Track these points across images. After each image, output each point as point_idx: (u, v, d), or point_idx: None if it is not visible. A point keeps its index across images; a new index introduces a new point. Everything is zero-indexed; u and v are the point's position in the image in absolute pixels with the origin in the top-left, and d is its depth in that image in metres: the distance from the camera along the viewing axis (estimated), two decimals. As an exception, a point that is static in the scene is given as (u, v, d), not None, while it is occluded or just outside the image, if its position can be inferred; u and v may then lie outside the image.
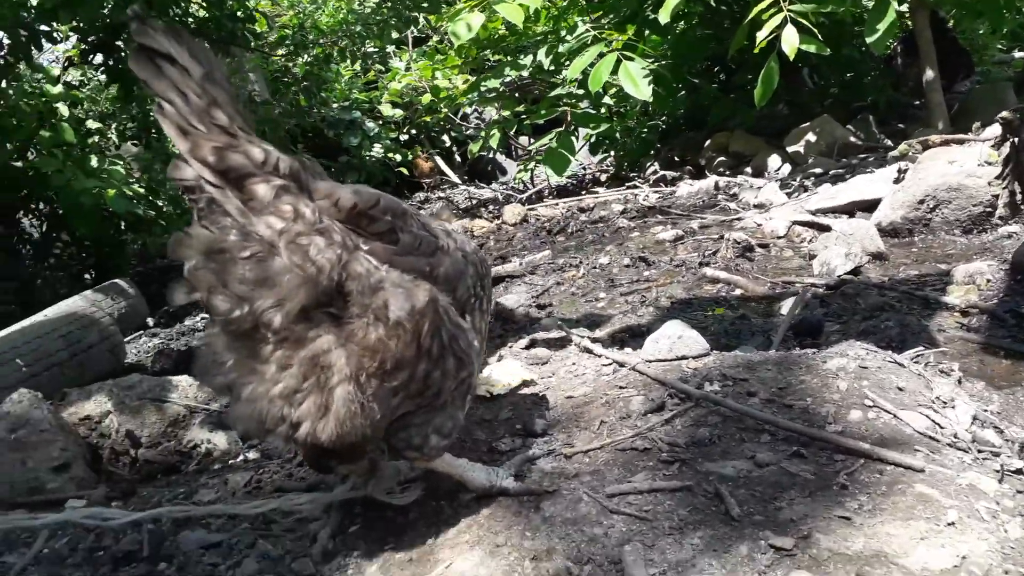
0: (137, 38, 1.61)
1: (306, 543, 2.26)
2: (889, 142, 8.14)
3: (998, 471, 2.16)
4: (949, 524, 1.91)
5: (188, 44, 1.66)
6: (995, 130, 4.96)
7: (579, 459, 2.40)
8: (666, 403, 2.63)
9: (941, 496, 2.01)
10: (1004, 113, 4.10)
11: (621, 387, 2.84)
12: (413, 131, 13.55)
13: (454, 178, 12.98)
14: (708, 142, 9.90)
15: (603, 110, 10.67)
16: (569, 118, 9.36)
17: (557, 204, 8.83)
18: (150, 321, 6.26)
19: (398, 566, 2.06)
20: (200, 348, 1.87)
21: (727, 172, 8.96)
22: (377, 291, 1.81)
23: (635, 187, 9.24)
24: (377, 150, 12.00)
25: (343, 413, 1.79)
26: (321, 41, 11.45)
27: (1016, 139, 4.05)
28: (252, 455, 3.16)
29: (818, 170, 7.60)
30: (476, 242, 7.53)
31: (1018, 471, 2.18)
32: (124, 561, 2.20)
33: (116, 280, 6.11)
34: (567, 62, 8.76)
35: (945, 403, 2.49)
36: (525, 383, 3.01)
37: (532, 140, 12.46)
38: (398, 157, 12.22)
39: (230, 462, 3.11)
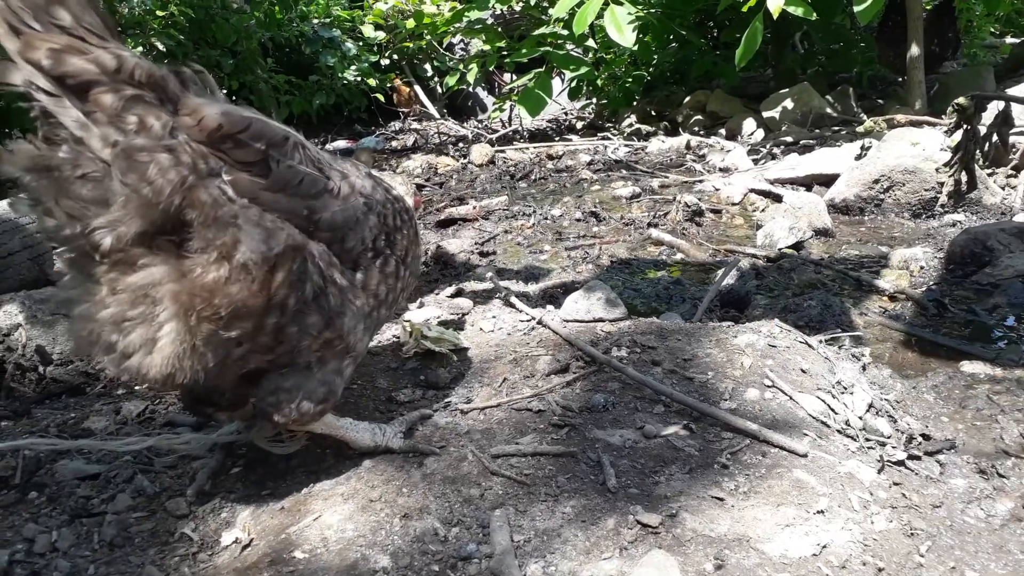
0: None
1: (186, 481, 2.22)
2: (865, 117, 8.03)
3: (880, 461, 2.17)
4: (818, 512, 1.91)
5: None
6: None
7: (474, 416, 2.38)
8: (571, 365, 2.61)
9: (817, 483, 2.02)
10: (960, 99, 4.02)
11: (532, 345, 2.80)
12: (394, 56, 13.12)
13: (432, 110, 12.66)
14: (687, 99, 9.72)
15: (589, 55, 10.41)
16: (548, 58, 9.13)
17: (527, 148, 8.66)
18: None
19: (269, 514, 2.03)
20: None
21: (701, 132, 8.83)
22: (227, 226, 1.64)
23: (607, 138, 9.09)
24: (352, 72, 11.61)
25: (169, 352, 1.66)
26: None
27: (969, 126, 3.99)
28: (116, 374, 3.08)
29: (789, 139, 7.51)
30: (437, 181, 7.40)
31: (899, 463, 2.20)
32: (-7, 486, 2.16)
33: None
34: (556, -1, 8.47)
35: (845, 389, 2.48)
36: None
37: (515, 77, 12.16)
38: (373, 82, 11.85)
39: (135, 388, 3.05)
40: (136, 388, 3.06)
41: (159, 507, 2.12)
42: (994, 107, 4.14)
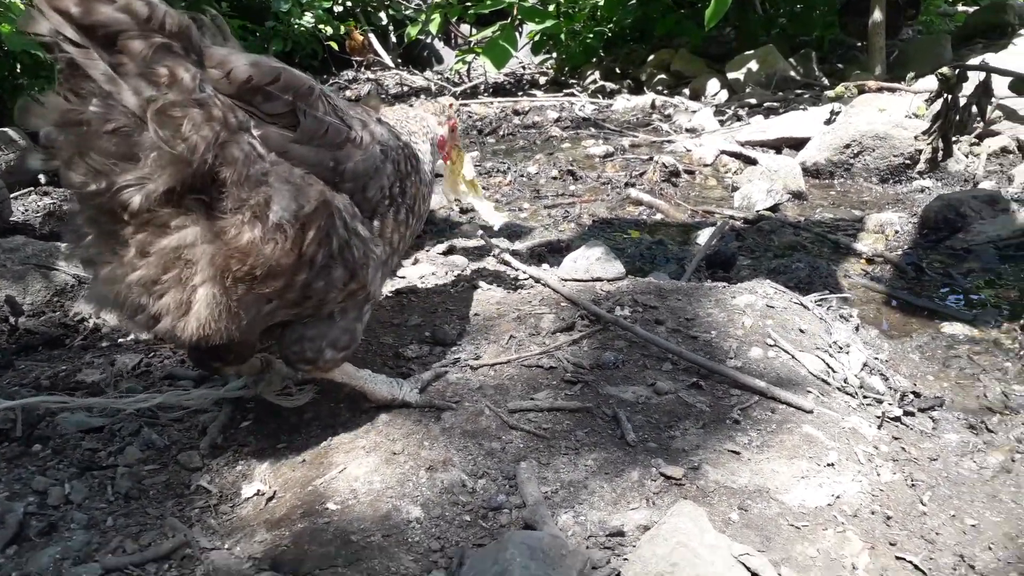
0: None
1: (194, 434, 2.19)
2: (826, 81, 8.17)
3: (879, 417, 2.28)
4: (829, 465, 2.00)
5: None
6: (928, 83, 5.03)
7: (485, 372, 2.39)
8: (576, 323, 2.63)
9: (825, 437, 2.11)
10: (943, 69, 4.14)
11: (534, 303, 2.82)
12: (347, 3, 12.72)
13: (387, 60, 12.34)
14: (651, 57, 9.72)
15: (551, 7, 10.27)
16: (516, 11, 8.98)
17: (492, 103, 8.56)
18: (42, 178, 5.77)
19: (290, 467, 2.02)
20: (69, 214, 1.66)
21: (665, 91, 8.86)
22: (259, 185, 1.60)
23: (572, 95, 9.04)
24: (307, 19, 11.21)
25: (204, 316, 1.62)
26: None
27: (950, 96, 4.12)
28: (144, 335, 3.01)
29: (753, 100, 7.60)
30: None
31: (896, 419, 2.30)
32: (-6, 439, 2.08)
33: (6, 129, 5.56)
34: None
35: (841, 348, 2.58)
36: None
37: (474, 30, 11.92)
38: (329, 29, 11.47)
39: (119, 340, 2.95)
40: (122, 341, 2.96)
41: (171, 460, 2.09)
42: (975, 77, 4.27)
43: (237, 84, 1.62)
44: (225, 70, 1.61)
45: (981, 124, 4.73)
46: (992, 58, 5.27)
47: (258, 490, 1.96)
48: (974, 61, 4.91)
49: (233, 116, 1.58)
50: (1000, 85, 4.73)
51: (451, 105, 2.79)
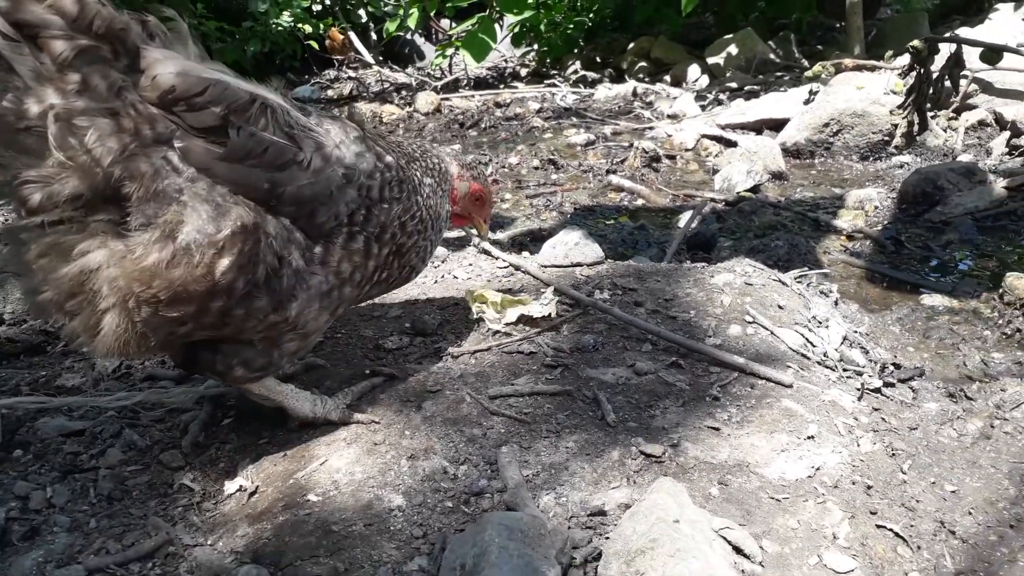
0: None
1: (175, 434, 2.18)
2: (806, 63, 8.19)
3: (859, 389, 2.29)
4: (809, 437, 2.01)
5: None
6: (906, 60, 5.04)
7: (465, 360, 2.39)
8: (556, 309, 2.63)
9: (805, 411, 2.12)
10: (915, 42, 4.15)
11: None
12: (326, 1, 12.66)
13: (368, 57, 12.30)
14: (631, 45, 9.72)
15: (531, -1, 10.25)
16: (494, 3, 8.96)
17: (473, 96, 8.54)
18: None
19: (271, 461, 2.02)
20: None
21: (647, 79, 8.87)
22: (170, 202, 1.53)
23: (554, 86, 9.03)
24: (286, 18, 11.16)
25: (112, 341, 1.59)
26: None
27: (923, 69, 4.14)
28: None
29: (734, 84, 7.62)
30: (384, 131, 7.24)
31: (876, 390, 2.32)
32: (-27, 446, 2.07)
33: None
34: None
35: (820, 323, 2.59)
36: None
37: (453, 24, 11.89)
38: (308, 28, 11.42)
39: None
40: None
41: (153, 460, 2.08)
42: (946, 50, 4.29)
43: (160, 92, 1.55)
44: (150, 76, 1.54)
45: (957, 97, 4.75)
46: (967, 32, 5.30)
47: (240, 486, 1.95)
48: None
49: (149, 127, 1.53)
50: (974, 58, 4.75)
51: (493, 180, 2.52)
